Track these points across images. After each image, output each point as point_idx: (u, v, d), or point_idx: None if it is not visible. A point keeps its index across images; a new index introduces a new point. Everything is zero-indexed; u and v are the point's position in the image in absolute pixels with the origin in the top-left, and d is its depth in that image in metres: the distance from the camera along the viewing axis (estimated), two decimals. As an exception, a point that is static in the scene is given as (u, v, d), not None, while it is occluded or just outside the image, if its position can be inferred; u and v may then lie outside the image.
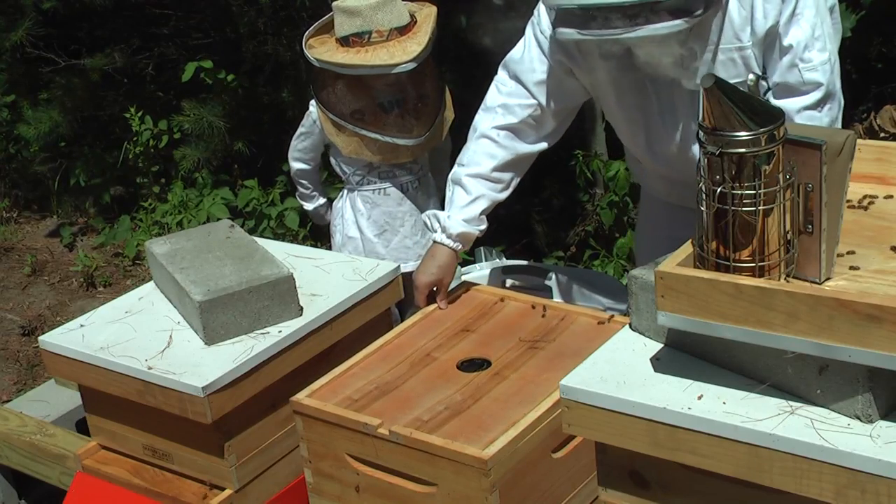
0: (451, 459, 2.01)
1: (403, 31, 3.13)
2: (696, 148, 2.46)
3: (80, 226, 5.85)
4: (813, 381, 1.62)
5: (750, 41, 2.33)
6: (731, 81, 2.15)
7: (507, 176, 2.63)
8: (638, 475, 1.81)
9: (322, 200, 3.59)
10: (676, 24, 2.13)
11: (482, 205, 2.61)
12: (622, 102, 2.57)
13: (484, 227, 2.64)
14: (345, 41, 3.14)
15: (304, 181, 3.53)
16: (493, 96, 2.62)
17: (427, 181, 3.38)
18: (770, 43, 2.33)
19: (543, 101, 2.56)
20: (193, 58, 5.31)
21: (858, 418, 1.58)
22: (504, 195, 2.65)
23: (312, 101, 3.30)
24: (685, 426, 1.66)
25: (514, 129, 2.60)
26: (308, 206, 3.61)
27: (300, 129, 3.39)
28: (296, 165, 3.47)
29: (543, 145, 2.65)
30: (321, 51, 3.19)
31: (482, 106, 2.64)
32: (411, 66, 3.07)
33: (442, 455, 2.02)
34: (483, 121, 2.62)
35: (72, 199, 5.94)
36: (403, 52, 3.08)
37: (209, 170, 5.36)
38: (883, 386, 1.57)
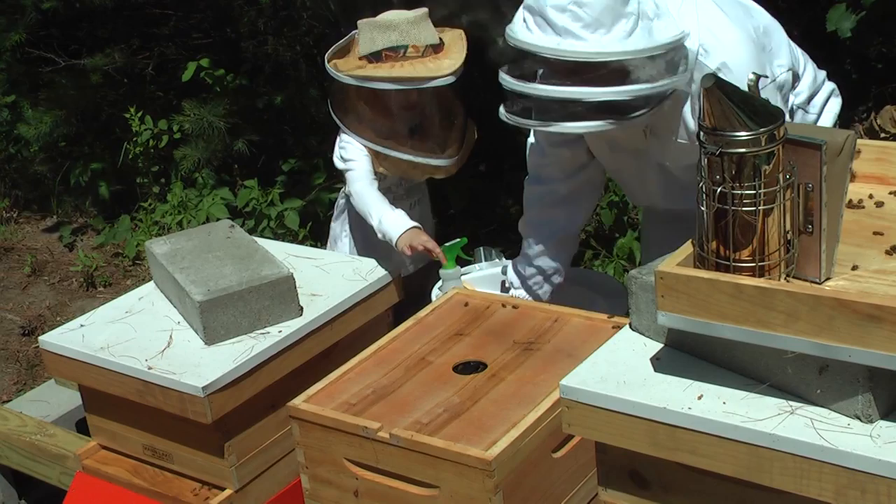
0: (454, 461, 2.01)
1: (436, 49, 3.09)
2: (663, 201, 2.63)
3: (80, 226, 5.84)
4: (813, 381, 1.62)
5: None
6: (686, 164, 2.23)
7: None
8: (638, 475, 1.81)
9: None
10: (598, 124, 2.22)
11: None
12: (601, 156, 2.70)
13: None
14: (375, 56, 3.07)
15: None
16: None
17: (425, 202, 3.37)
18: None
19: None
20: (193, 58, 5.30)
21: (858, 418, 1.58)
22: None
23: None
24: (685, 426, 1.66)
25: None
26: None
27: None
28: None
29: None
30: (350, 68, 3.12)
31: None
32: (450, 79, 3.00)
33: (444, 457, 2.02)
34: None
35: (72, 199, 5.93)
36: (439, 68, 3.04)
37: (209, 170, 5.36)
38: (883, 386, 1.57)
